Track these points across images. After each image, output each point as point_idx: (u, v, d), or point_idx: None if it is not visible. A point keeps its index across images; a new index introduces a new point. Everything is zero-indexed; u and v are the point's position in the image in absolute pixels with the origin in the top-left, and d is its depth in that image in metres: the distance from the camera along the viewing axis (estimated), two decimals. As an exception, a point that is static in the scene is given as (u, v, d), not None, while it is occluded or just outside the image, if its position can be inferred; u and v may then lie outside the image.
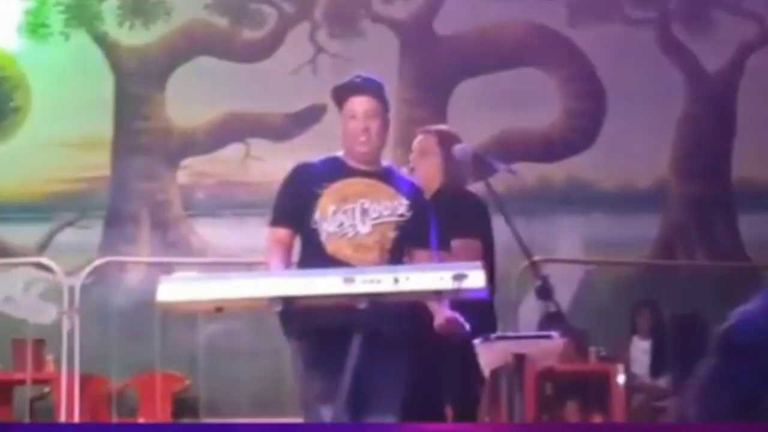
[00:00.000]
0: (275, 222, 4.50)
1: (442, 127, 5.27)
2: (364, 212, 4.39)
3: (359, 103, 4.43)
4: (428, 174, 4.98)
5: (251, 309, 4.42)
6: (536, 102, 9.57)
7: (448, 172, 4.99)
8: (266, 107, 9.71)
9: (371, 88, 4.48)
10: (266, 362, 8.43)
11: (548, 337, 4.96)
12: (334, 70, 9.52)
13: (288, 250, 4.42)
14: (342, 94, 4.48)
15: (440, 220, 4.60)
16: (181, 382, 8.47)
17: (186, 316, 7.26)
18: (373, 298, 3.67)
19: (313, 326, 3.93)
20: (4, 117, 9.82)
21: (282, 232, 4.45)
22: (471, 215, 4.92)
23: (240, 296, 3.71)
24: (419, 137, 5.13)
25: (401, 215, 4.43)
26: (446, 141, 5.03)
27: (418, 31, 9.87)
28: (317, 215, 4.38)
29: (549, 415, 7.97)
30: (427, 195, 4.80)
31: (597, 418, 8.08)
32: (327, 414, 3.94)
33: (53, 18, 9.89)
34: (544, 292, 4.32)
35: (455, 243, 4.78)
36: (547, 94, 9.63)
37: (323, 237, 4.36)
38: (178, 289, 3.69)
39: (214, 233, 9.62)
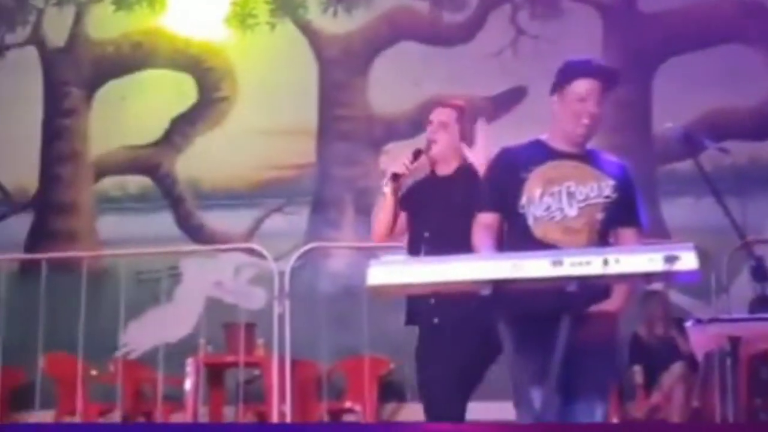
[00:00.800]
0: (483, 207, 4.49)
1: (459, 102, 5.28)
2: (571, 195, 4.35)
3: (590, 86, 4.37)
4: (449, 147, 5.10)
5: (460, 292, 4.42)
6: (745, 79, 9.28)
7: (465, 149, 5.08)
8: (467, 90, 9.67)
9: (603, 72, 4.44)
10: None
11: (765, 319, 4.81)
12: (535, 51, 9.46)
13: (496, 234, 4.41)
14: (571, 74, 4.41)
15: (465, 197, 4.78)
16: (387, 366, 8.55)
17: (392, 299, 7.31)
18: (582, 280, 3.62)
19: (521, 309, 3.91)
20: (212, 107, 10.08)
21: (490, 217, 4.44)
22: None
23: (449, 279, 3.72)
24: (439, 109, 5.18)
25: (607, 197, 4.37)
26: (464, 118, 5.14)
27: (621, 9, 9.69)
28: (524, 200, 4.35)
29: (762, 400, 7.75)
30: (447, 169, 5.09)
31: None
32: (537, 396, 3.92)
33: (259, 8, 10.11)
34: (760, 273, 4.21)
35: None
36: (757, 71, 9.34)
37: (530, 221, 4.34)
38: (388, 272, 3.71)
39: (416, 218, 9.66)
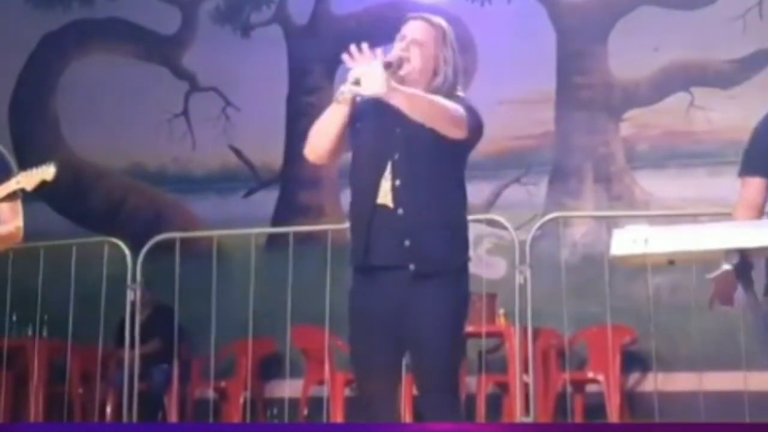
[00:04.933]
0: (746, 171, 4.32)
1: (440, 20, 4.59)
2: None
3: None
4: (422, 70, 4.45)
5: (704, 261, 4.32)
6: None
7: (444, 71, 4.46)
8: (710, 55, 9.44)
9: None
10: (716, 315, 8.21)
11: None
12: (781, 12, 9.15)
13: (761, 201, 4.24)
14: None
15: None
16: (631, 335, 8.45)
17: (633, 268, 7.21)
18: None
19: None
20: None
21: (755, 182, 4.28)
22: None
23: (695, 249, 3.63)
24: (412, 23, 4.52)
25: None
26: (440, 37, 4.52)
27: None
28: None
29: None
30: (420, 89, 4.35)
31: None
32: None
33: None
34: None
35: None
36: None
37: None
38: (632, 242, 3.66)
39: (657, 185, 9.50)
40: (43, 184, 5.00)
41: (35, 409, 8.76)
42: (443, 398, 4.33)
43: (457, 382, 4.51)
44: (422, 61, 4.44)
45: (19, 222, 5.20)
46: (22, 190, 5.03)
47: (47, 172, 4.98)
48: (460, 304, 4.42)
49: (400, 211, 4.35)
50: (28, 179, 5.01)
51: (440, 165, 4.40)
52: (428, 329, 4.31)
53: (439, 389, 4.33)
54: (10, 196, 5.11)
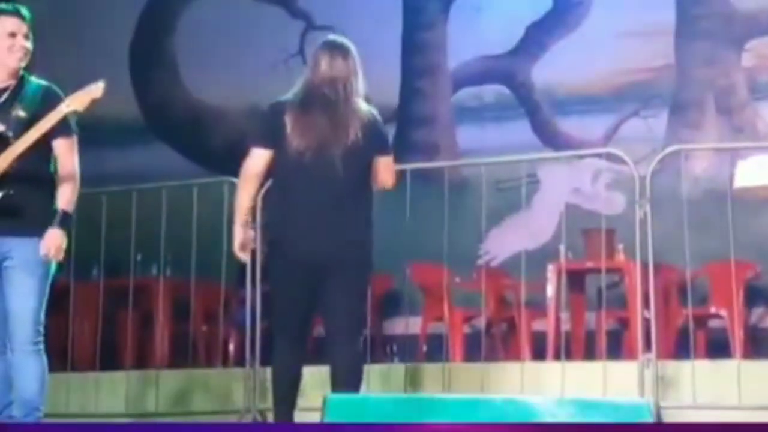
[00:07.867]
0: None
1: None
2: None
3: None
4: None
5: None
6: None
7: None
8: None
9: None
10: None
11: None
12: None
13: None
14: None
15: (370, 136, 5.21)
16: (755, 270, 8.30)
17: (758, 200, 7.07)
18: None
19: None
20: (567, 12, 10.00)
21: None
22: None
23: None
24: None
25: None
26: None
27: None
28: None
29: None
30: None
31: None
32: None
33: None
34: None
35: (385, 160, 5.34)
36: None
37: None
38: (756, 173, 3.60)
39: (781, 117, 9.30)
40: (94, 103, 5.02)
41: (160, 348, 8.93)
42: None
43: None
44: None
45: (74, 160, 5.23)
46: (75, 113, 5.05)
47: (97, 89, 5.00)
48: None
49: None
50: (77, 101, 5.04)
51: None
52: None
53: None
54: (65, 132, 5.16)
